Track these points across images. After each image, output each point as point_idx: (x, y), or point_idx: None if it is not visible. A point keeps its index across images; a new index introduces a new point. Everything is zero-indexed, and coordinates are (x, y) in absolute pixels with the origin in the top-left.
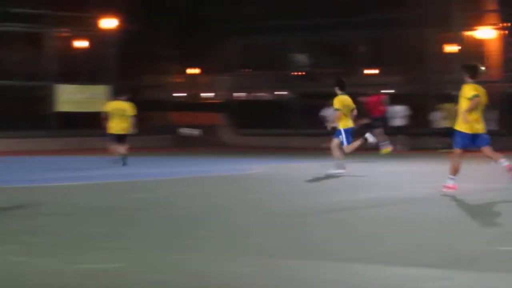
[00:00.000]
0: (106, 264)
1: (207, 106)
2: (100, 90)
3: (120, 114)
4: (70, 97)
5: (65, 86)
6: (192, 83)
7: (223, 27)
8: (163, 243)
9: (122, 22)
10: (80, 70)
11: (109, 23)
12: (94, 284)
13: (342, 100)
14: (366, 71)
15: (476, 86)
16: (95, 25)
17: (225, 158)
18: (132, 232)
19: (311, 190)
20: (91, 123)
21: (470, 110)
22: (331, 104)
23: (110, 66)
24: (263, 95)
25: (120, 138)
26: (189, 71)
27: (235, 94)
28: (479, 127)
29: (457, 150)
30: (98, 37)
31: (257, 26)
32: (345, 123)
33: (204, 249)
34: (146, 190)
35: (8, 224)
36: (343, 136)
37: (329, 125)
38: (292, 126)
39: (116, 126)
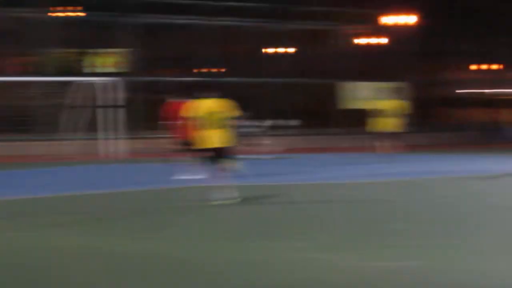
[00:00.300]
0: (404, 262)
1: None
2: (394, 86)
3: (392, 112)
4: (361, 95)
5: (358, 83)
6: (491, 79)
7: None
8: (466, 243)
9: (419, 18)
10: (373, 67)
11: (404, 19)
12: (391, 283)
13: None
14: None
15: None
16: (386, 22)
17: None
18: (432, 230)
19: None
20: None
21: None
22: None
23: (404, 63)
24: None
25: (391, 136)
26: (485, 67)
27: None
28: None
29: None
30: (392, 34)
31: None
32: None
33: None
34: (452, 188)
35: (297, 219)
36: None
37: None
38: None
39: (385, 124)
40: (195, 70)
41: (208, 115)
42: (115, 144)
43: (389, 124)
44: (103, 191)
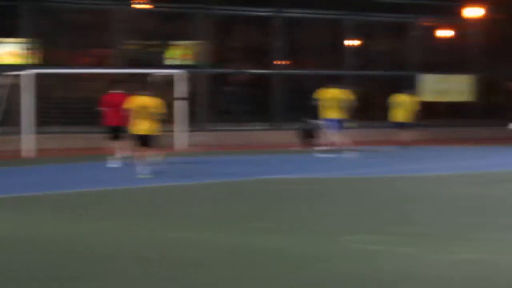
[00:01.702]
0: (477, 254)
1: None
2: (464, 80)
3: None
4: (433, 87)
5: (429, 76)
6: None
7: None
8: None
9: (488, 11)
10: (444, 59)
11: (474, 12)
12: (463, 274)
13: None
14: None
15: None
16: (460, 14)
17: None
18: (495, 223)
19: None
20: (454, 114)
21: None
22: None
23: (475, 55)
24: None
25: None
26: None
27: None
28: None
29: None
30: (463, 26)
31: None
32: None
33: None
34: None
35: (380, 213)
36: None
37: None
38: None
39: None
40: (274, 62)
41: (142, 108)
42: (191, 136)
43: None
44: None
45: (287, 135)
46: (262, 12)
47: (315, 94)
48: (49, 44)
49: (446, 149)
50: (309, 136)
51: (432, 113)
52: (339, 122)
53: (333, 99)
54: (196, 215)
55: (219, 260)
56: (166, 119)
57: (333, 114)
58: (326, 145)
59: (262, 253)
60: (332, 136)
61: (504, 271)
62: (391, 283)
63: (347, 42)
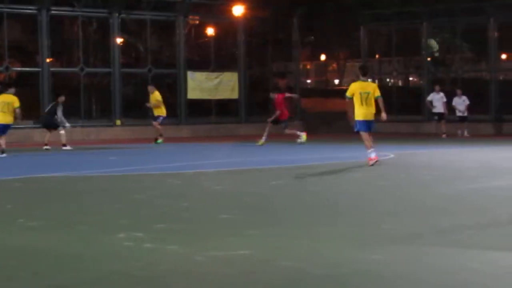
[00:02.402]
0: (235, 251)
1: (337, 92)
2: (230, 77)
3: None
4: (200, 85)
5: (195, 73)
6: (322, 69)
7: (357, 13)
8: (294, 230)
9: (251, 9)
10: (210, 57)
11: (238, 10)
12: (222, 271)
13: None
14: (500, 56)
15: None
16: (225, 12)
17: (356, 144)
18: (264, 219)
19: (449, 176)
20: (220, 111)
21: None
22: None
23: (240, 53)
24: (394, 81)
25: None
26: (319, 57)
27: None
28: None
29: None
30: (230, 24)
31: (391, 12)
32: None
33: (338, 236)
34: (279, 177)
35: (140, 211)
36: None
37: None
38: (423, 112)
39: None
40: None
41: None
42: None
43: None
44: None
45: None
46: (27, 10)
47: None
48: None
49: (209, 146)
50: None
51: (200, 111)
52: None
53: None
54: None
55: None
56: None
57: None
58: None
59: (31, 252)
60: None
61: (266, 265)
62: (162, 279)
63: (115, 40)
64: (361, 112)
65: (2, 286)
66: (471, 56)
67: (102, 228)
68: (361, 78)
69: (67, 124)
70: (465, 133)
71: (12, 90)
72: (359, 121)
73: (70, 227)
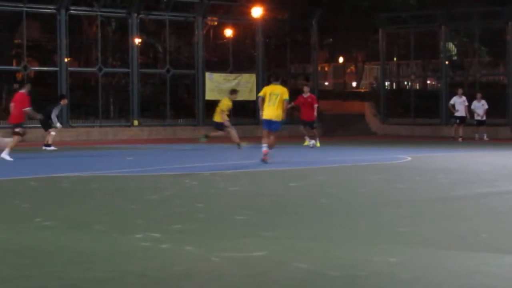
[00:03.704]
0: (250, 253)
1: (355, 94)
2: (248, 79)
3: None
4: (218, 86)
5: (214, 74)
6: (340, 71)
7: (374, 16)
8: (309, 232)
9: (270, 10)
10: (228, 58)
11: (257, 11)
12: (237, 272)
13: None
14: None
15: None
16: (244, 13)
17: (373, 147)
18: (279, 221)
19: (465, 180)
20: (237, 112)
21: None
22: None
23: (258, 54)
24: (412, 84)
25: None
26: (337, 59)
27: (383, 83)
28: None
29: None
30: (249, 26)
31: (408, 15)
32: None
33: (353, 238)
34: (296, 179)
35: (156, 211)
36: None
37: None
38: (442, 115)
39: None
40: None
41: None
42: None
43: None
44: None
45: None
46: (46, 9)
47: None
48: None
49: (225, 148)
50: None
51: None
52: None
53: None
54: None
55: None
56: None
57: None
58: None
59: (46, 251)
60: None
61: (281, 267)
62: (177, 280)
63: (134, 40)
64: (266, 112)
65: (16, 285)
66: (489, 60)
67: (118, 228)
68: (273, 82)
69: (58, 125)
70: (485, 137)
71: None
72: (263, 119)
73: (86, 227)
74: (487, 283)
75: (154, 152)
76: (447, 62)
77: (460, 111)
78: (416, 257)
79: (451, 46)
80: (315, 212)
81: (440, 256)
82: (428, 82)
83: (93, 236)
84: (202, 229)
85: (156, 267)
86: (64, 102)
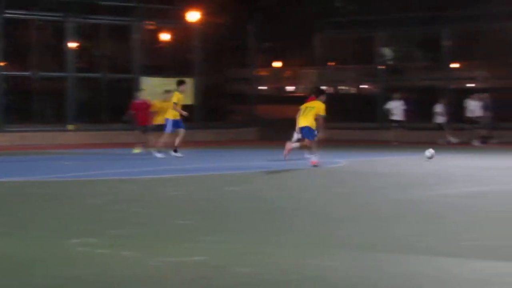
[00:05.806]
0: (190, 257)
1: (292, 99)
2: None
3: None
4: (154, 90)
5: (150, 78)
6: (278, 76)
7: (312, 20)
8: (248, 236)
9: (208, 14)
10: (165, 63)
11: (195, 15)
12: (177, 277)
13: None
14: (453, 65)
15: None
16: (181, 17)
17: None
18: (220, 225)
19: (402, 183)
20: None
21: None
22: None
23: (195, 59)
24: (348, 88)
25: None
26: (275, 64)
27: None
28: None
29: None
30: (186, 30)
31: (347, 20)
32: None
33: (292, 242)
34: (235, 183)
35: (94, 216)
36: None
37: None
38: (378, 119)
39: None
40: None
41: None
42: None
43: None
44: None
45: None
46: None
47: None
48: None
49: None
50: None
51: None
52: None
53: None
54: None
55: None
56: None
57: None
58: None
59: None
60: None
61: (221, 271)
62: (116, 285)
63: (70, 44)
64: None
65: None
66: (426, 64)
67: (55, 233)
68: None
69: None
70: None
71: None
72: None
73: (23, 232)
74: (425, 285)
75: (91, 157)
76: (383, 67)
77: (397, 115)
78: (354, 260)
79: (389, 51)
80: (254, 216)
81: (378, 259)
82: (365, 86)
83: (30, 242)
84: (141, 234)
85: (95, 272)
86: None
